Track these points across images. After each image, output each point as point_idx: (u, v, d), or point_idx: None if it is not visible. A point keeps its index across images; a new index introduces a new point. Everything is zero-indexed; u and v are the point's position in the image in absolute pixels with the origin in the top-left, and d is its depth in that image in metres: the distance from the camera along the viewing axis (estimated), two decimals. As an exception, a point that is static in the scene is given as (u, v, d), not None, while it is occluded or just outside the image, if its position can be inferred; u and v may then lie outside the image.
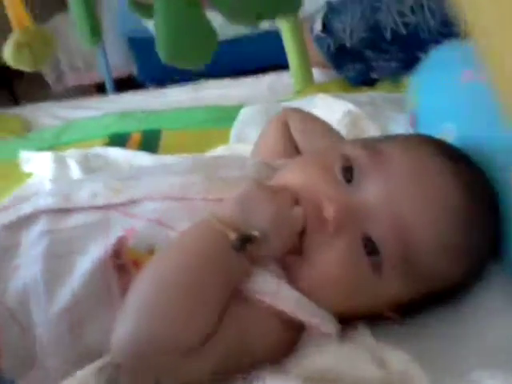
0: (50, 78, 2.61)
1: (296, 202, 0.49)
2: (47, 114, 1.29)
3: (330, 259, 0.48)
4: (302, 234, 0.48)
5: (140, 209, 0.52)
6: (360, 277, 0.48)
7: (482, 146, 0.55)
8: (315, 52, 1.15)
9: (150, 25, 1.77)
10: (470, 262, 0.51)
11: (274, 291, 0.47)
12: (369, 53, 1.11)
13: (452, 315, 0.52)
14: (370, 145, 0.52)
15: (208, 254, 0.45)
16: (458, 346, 0.49)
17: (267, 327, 0.47)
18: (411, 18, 1.04)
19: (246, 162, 0.60)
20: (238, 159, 0.63)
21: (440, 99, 0.65)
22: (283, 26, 1.15)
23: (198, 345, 0.42)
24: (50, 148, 0.99)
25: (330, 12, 1.15)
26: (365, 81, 1.13)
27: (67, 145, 1.00)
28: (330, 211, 0.47)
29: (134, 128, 1.04)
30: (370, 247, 0.47)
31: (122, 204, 0.52)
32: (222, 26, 1.71)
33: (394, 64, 1.08)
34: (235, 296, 0.47)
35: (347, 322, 0.50)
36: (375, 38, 1.09)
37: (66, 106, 1.33)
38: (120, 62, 1.97)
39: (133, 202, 0.52)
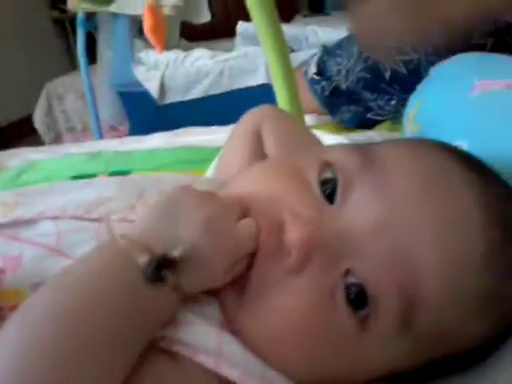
0: (47, 137, 2.60)
1: (245, 214, 0.35)
2: (19, 158, 1.19)
3: (282, 306, 0.33)
4: (250, 263, 0.34)
5: (33, 231, 0.38)
6: (336, 337, 0.33)
7: (500, 160, 0.42)
8: (310, 99, 1.06)
9: (140, 79, 1.75)
10: (499, 319, 0.35)
11: (213, 347, 0.32)
12: (366, 94, 1.01)
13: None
14: (361, 149, 0.38)
15: (104, 289, 0.30)
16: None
17: None
18: (412, 57, 0.95)
19: (196, 180, 0.47)
20: (186, 178, 0.49)
21: (447, 116, 0.53)
22: (274, 73, 1.06)
23: None
24: (10, 187, 0.87)
25: (326, 54, 1.07)
26: (361, 123, 1.02)
27: (27, 184, 0.88)
28: (292, 235, 0.33)
29: (101, 169, 0.93)
30: (354, 293, 0.33)
31: (10, 224, 0.38)
32: (217, 78, 1.70)
33: (393, 104, 0.98)
34: (153, 349, 0.32)
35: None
36: (373, 78, 0.99)
37: (39, 151, 1.23)
38: (113, 116, 1.91)
39: (26, 223, 0.38)
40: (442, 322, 0.33)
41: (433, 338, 0.34)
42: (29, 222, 0.38)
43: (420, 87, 0.63)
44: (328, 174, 0.36)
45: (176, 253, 0.31)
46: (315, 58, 1.08)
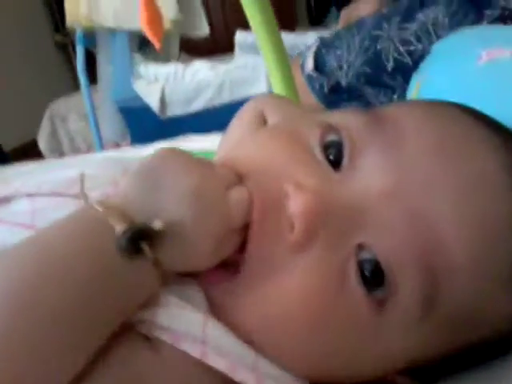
0: (51, 158, 2.60)
1: (239, 183, 0.31)
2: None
3: (284, 290, 0.29)
4: (245, 239, 0.30)
5: (7, 210, 0.35)
6: (348, 322, 0.29)
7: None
8: (307, 94, 1.02)
9: (141, 93, 1.74)
10: None
11: (199, 334, 0.28)
12: (368, 89, 0.97)
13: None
14: (369, 110, 0.34)
15: (73, 256, 0.26)
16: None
17: None
18: (417, 46, 0.91)
19: None
20: None
21: (455, 88, 0.49)
22: (269, 64, 1.03)
23: None
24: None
25: (323, 47, 1.03)
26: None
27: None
28: (295, 205, 0.29)
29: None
30: (369, 271, 0.28)
31: None
32: (218, 89, 1.67)
33: (395, 98, 0.94)
34: (130, 334, 0.28)
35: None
36: (375, 71, 0.95)
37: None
38: (115, 133, 1.89)
39: (0, 201, 0.35)
40: (469, 298, 0.29)
41: (459, 319, 0.29)
42: (3, 201, 0.35)
43: (420, 67, 0.60)
44: (332, 137, 0.32)
45: (157, 224, 0.27)
46: (312, 50, 1.04)
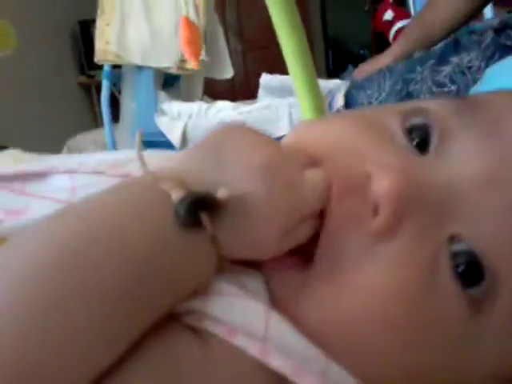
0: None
1: (314, 164, 0.28)
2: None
3: (366, 283, 0.25)
4: (319, 228, 0.27)
5: (45, 186, 0.32)
6: (438, 324, 0.25)
7: None
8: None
9: (163, 129, 1.75)
10: None
11: (259, 328, 0.24)
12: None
13: None
14: (458, 98, 0.32)
15: (124, 225, 0.23)
16: None
17: None
18: (450, 87, 0.90)
19: None
20: None
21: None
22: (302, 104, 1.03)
23: None
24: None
25: (354, 88, 1.03)
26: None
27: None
28: (381, 185, 0.25)
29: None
30: (465, 264, 0.25)
31: (18, 177, 0.32)
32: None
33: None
34: (177, 325, 0.25)
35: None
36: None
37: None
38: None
39: (38, 177, 0.32)
40: None
41: None
42: (40, 176, 0.32)
43: (470, 92, 0.58)
44: (417, 120, 0.29)
45: (221, 193, 0.24)
46: (342, 90, 1.04)
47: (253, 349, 0.24)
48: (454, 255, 0.25)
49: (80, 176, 0.32)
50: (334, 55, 4.22)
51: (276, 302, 0.26)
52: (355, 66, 1.62)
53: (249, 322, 0.24)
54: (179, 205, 0.23)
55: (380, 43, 2.70)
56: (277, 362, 0.24)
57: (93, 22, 1.84)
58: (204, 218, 0.23)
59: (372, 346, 0.25)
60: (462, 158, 0.27)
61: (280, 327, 0.25)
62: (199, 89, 2.01)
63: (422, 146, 0.28)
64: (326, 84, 1.76)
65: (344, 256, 0.26)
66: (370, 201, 0.26)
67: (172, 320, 0.25)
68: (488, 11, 1.55)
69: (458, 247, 0.26)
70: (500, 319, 0.25)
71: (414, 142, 0.28)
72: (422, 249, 0.25)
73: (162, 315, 0.24)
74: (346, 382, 0.25)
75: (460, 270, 0.25)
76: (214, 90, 2.31)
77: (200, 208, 0.23)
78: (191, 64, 1.47)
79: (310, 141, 0.30)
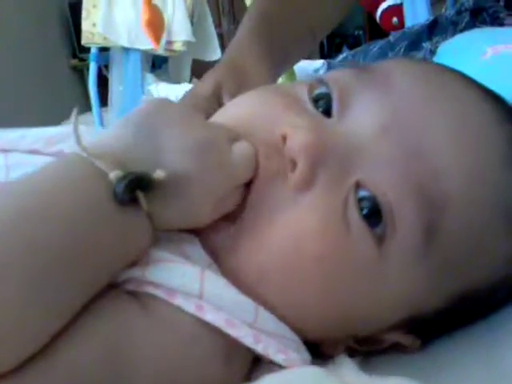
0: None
1: (237, 139, 0.30)
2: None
3: (288, 230, 0.28)
4: (246, 193, 0.29)
5: None
6: (352, 262, 0.28)
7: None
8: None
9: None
10: None
11: (195, 288, 0.27)
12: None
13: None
14: (360, 66, 0.35)
15: (65, 200, 0.25)
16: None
17: (180, 353, 0.26)
18: None
19: None
20: None
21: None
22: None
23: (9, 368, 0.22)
24: None
25: (330, 69, 1.04)
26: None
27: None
28: (295, 141, 0.28)
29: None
30: (369, 208, 0.28)
31: None
32: None
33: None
34: (119, 294, 0.27)
35: (323, 351, 0.31)
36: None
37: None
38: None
39: None
40: (468, 229, 0.29)
41: (459, 255, 0.29)
42: None
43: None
44: (320, 90, 0.32)
45: (158, 174, 0.25)
46: (321, 72, 1.05)
47: (191, 306, 0.26)
48: (360, 200, 0.28)
49: (15, 154, 0.33)
50: (329, 36, 4.20)
51: (212, 259, 0.29)
52: (350, 46, 1.63)
53: (186, 283, 0.27)
54: (118, 183, 0.25)
55: (373, 24, 2.70)
56: (210, 316, 0.26)
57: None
58: (140, 196, 0.25)
59: (300, 278, 0.28)
60: (362, 114, 0.30)
61: (214, 284, 0.27)
62: (187, 70, 2.01)
63: (327, 112, 0.31)
64: (313, 64, 1.76)
65: (270, 207, 0.29)
66: (288, 158, 0.29)
67: (112, 289, 0.27)
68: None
69: (362, 193, 0.29)
70: (402, 249, 0.28)
71: (320, 109, 0.32)
72: (334, 195, 0.28)
73: (101, 285, 0.26)
74: (274, 328, 0.28)
75: (364, 212, 0.28)
76: (203, 72, 2.31)
77: (137, 187, 0.25)
78: (175, 46, 1.47)
79: (230, 117, 0.32)
